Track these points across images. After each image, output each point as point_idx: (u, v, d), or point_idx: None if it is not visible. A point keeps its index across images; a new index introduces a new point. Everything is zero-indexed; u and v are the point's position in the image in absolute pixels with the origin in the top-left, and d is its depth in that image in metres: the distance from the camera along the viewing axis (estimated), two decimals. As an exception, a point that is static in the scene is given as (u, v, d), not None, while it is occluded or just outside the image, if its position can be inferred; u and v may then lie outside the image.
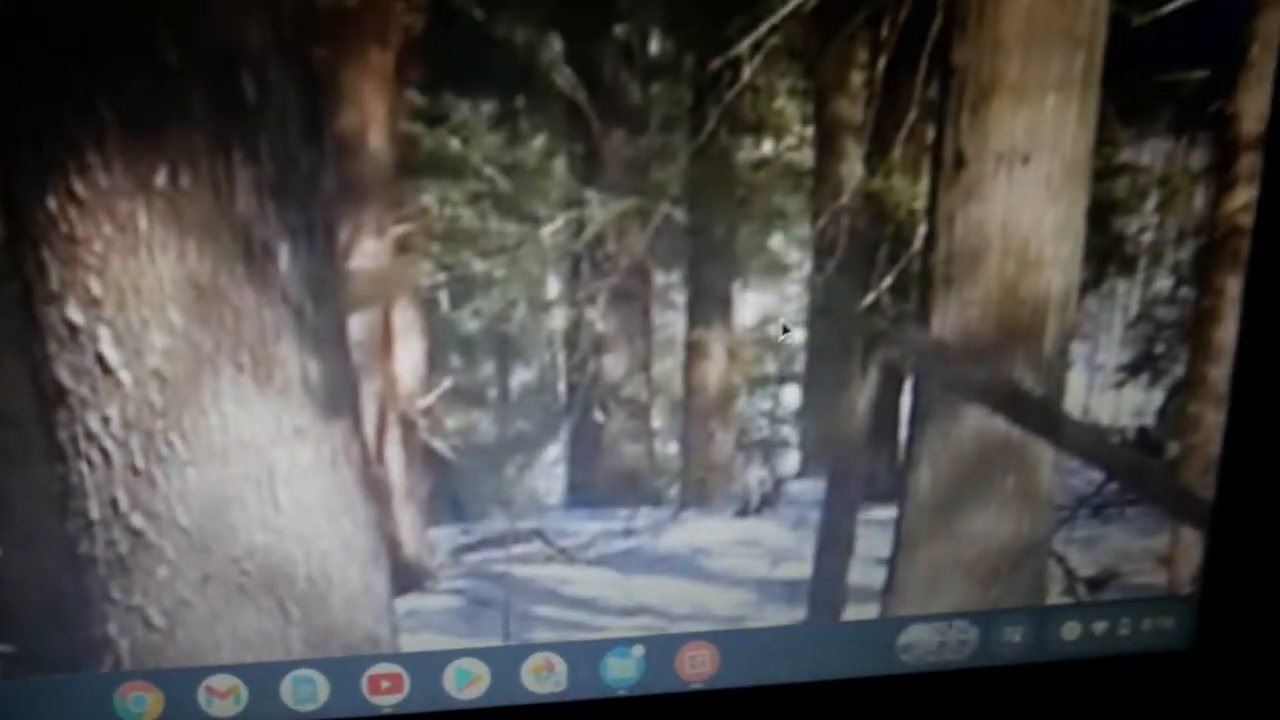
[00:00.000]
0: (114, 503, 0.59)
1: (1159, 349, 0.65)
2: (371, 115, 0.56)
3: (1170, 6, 0.58)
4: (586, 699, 0.66)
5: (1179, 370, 0.65)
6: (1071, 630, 0.70)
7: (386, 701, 0.64)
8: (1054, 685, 0.71)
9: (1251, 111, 0.61)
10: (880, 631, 0.68)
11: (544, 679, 0.65)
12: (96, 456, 0.58)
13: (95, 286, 0.56)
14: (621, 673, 0.66)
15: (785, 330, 0.62)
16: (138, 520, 0.59)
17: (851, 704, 0.70)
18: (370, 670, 0.64)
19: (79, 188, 0.54)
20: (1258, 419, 0.66)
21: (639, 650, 0.66)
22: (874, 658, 0.69)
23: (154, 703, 0.63)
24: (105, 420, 0.58)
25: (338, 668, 0.64)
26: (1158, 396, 0.66)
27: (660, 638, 0.66)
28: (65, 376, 0.57)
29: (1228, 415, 0.66)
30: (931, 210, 0.61)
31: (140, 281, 0.56)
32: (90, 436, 0.58)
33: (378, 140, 0.56)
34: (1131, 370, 0.65)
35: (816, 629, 0.67)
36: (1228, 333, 0.64)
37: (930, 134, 0.60)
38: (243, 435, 0.59)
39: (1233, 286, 0.64)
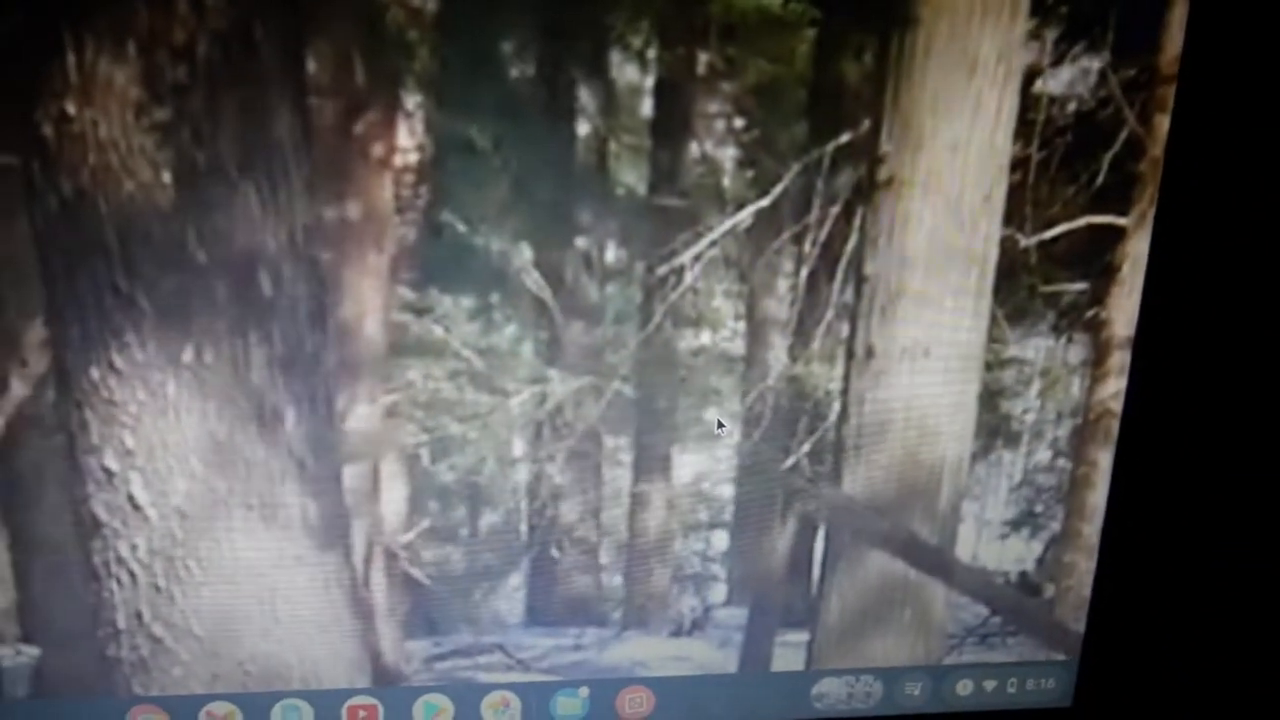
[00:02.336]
0: (139, 615, 0.69)
1: (1039, 508, 0.75)
2: (368, 306, 0.66)
3: (1054, 231, 0.68)
4: None
5: (1055, 526, 0.75)
6: (965, 687, 0.80)
7: None
8: None
9: (1121, 318, 0.71)
10: (798, 682, 0.78)
11: (500, 713, 0.76)
12: (125, 577, 0.68)
13: (129, 440, 0.66)
14: (569, 710, 0.76)
15: (720, 425, 0.71)
16: (158, 629, 0.70)
17: None
18: (350, 701, 0.74)
19: (118, 361, 0.64)
20: (1124, 566, 0.76)
21: (584, 691, 0.76)
22: (792, 704, 0.79)
23: None
24: (134, 548, 0.68)
25: (321, 698, 0.73)
26: (1037, 547, 0.76)
27: (604, 680, 0.76)
28: (101, 512, 0.67)
29: (1097, 563, 0.76)
30: (845, 391, 0.71)
31: (167, 437, 0.66)
32: (120, 561, 0.68)
33: (373, 326, 0.66)
34: (1015, 525, 0.75)
35: (743, 677, 0.77)
36: (1099, 497, 0.75)
37: (844, 330, 0.69)
38: (250, 562, 0.69)
39: (1104, 459, 0.74)
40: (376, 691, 0.74)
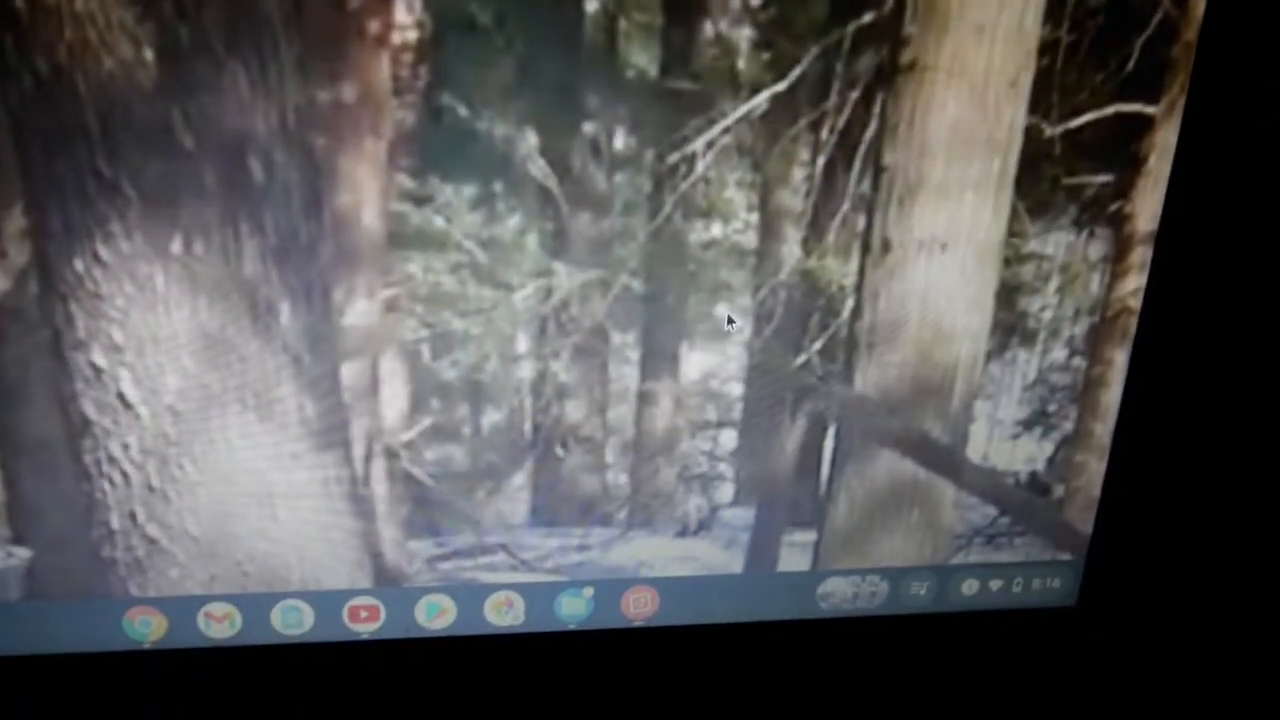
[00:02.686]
0: (132, 515, 0.67)
1: (1052, 408, 0.74)
2: (365, 195, 0.63)
3: (1080, 120, 0.66)
4: (541, 632, 0.76)
5: (1068, 426, 0.74)
6: (971, 586, 0.80)
7: (364, 629, 0.74)
8: (955, 633, 0.81)
9: (1145, 212, 0.69)
10: (804, 581, 0.78)
11: (504, 613, 0.75)
12: (118, 477, 0.66)
13: (117, 335, 0.63)
14: (573, 610, 0.76)
15: (731, 321, 0.69)
16: (153, 530, 0.68)
17: (776, 644, 0.80)
18: (351, 601, 0.73)
19: (103, 253, 0.61)
20: (1135, 468, 0.75)
21: (589, 591, 0.75)
22: (798, 604, 0.79)
23: (158, 625, 0.72)
24: (125, 447, 0.66)
25: (322, 599, 0.73)
26: (1048, 447, 0.75)
27: (609, 581, 0.75)
28: (90, 410, 0.65)
29: (1108, 464, 0.75)
30: (859, 287, 0.69)
31: (157, 332, 0.63)
32: (112, 460, 0.66)
33: (370, 216, 0.63)
34: (1027, 425, 0.74)
35: (748, 578, 0.77)
36: (1113, 396, 0.73)
37: (860, 222, 0.67)
38: (246, 461, 0.67)
39: (1120, 358, 0.72)
40: (378, 592, 0.73)
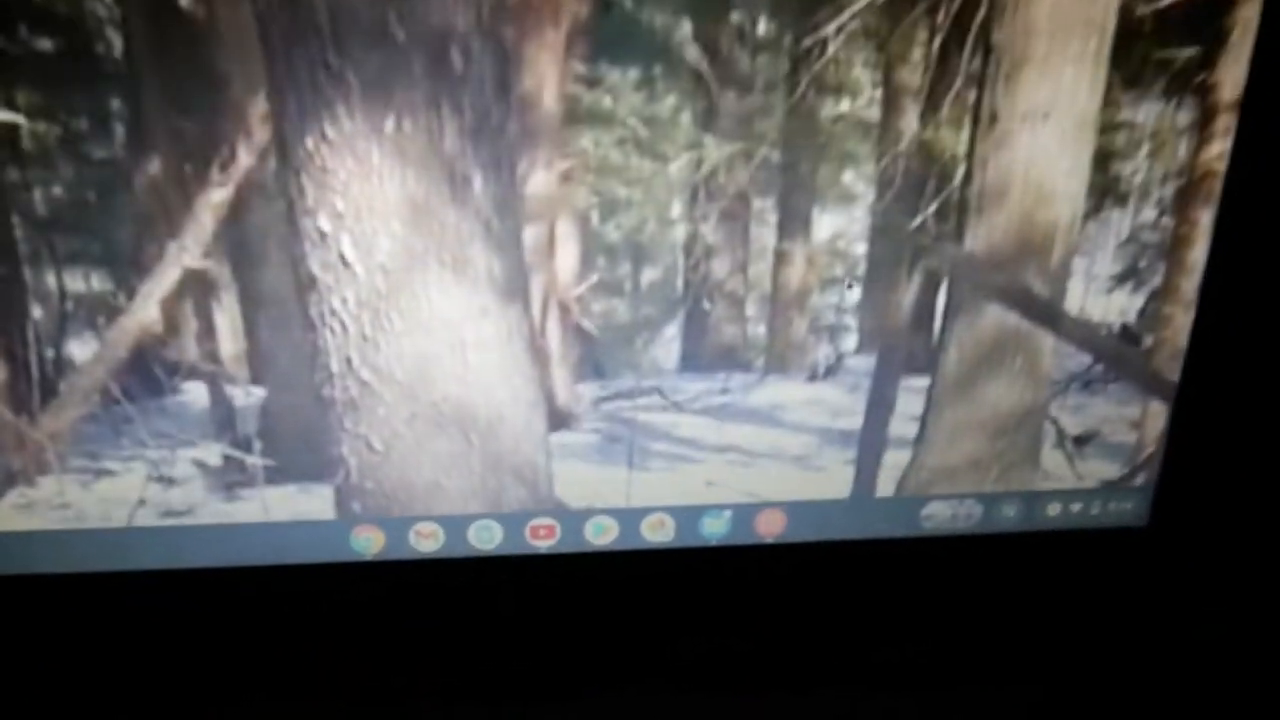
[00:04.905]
0: (349, 361, 0.80)
1: (1142, 264, 0.82)
2: (545, 80, 0.74)
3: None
4: (688, 547, 0.89)
5: (1157, 281, 0.83)
6: (1054, 509, 0.90)
7: (543, 544, 0.87)
8: (1041, 550, 0.92)
9: (1229, 82, 0.77)
10: (908, 505, 0.89)
11: (657, 530, 0.88)
12: (337, 327, 0.79)
13: (339, 204, 0.75)
14: (714, 528, 0.89)
15: (850, 285, 0.80)
16: (366, 374, 0.80)
17: (882, 559, 0.92)
18: (532, 521, 0.86)
19: (330, 132, 0.73)
20: (1219, 321, 0.84)
21: (727, 513, 0.88)
22: (903, 524, 0.90)
23: (377, 541, 0.86)
24: (344, 300, 0.78)
25: (509, 519, 0.86)
26: (1139, 300, 0.84)
27: (744, 505, 0.88)
28: (316, 269, 0.77)
29: (1194, 316, 0.84)
30: (969, 155, 0.78)
31: (372, 201, 0.75)
32: (333, 312, 0.78)
33: (550, 98, 0.74)
34: (1119, 279, 0.83)
35: (860, 501, 0.88)
36: (1199, 253, 0.82)
37: (971, 97, 0.76)
38: (443, 314, 0.79)
39: (1205, 218, 0.81)
40: (554, 512, 0.86)
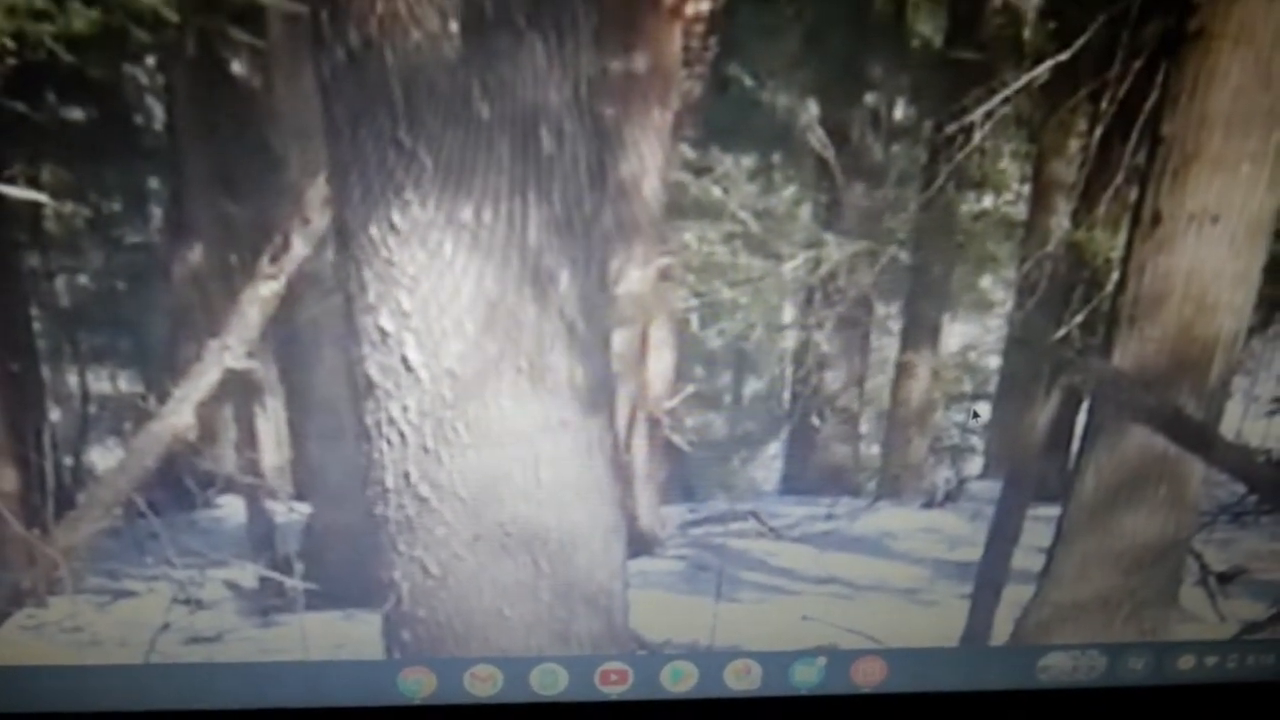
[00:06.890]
0: (406, 475, 0.70)
1: (1312, 385, 0.73)
2: (648, 165, 0.64)
3: (1365, 90, 0.65)
4: (776, 696, 0.77)
5: (1327, 404, 0.73)
6: (1187, 662, 0.79)
7: (614, 690, 0.76)
8: (1171, 706, 0.81)
9: None
10: (1024, 655, 0.78)
11: (742, 679, 0.77)
12: (395, 438, 0.69)
13: (405, 301, 0.65)
14: (806, 678, 0.77)
15: (975, 415, 0.70)
16: (424, 490, 0.70)
17: (993, 713, 0.80)
18: (603, 666, 0.76)
19: (398, 220, 0.64)
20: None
21: (822, 660, 0.77)
22: (1017, 675, 0.79)
23: (428, 684, 0.75)
24: (405, 409, 0.68)
25: (576, 662, 0.75)
26: (1305, 425, 0.74)
27: (839, 651, 0.76)
28: (375, 373, 0.67)
29: (1365, 443, 0.74)
30: (1125, 260, 0.68)
31: (442, 298, 0.65)
32: (391, 421, 0.68)
33: (651, 186, 0.65)
34: (1284, 402, 0.73)
35: (970, 649, 0.77)
36: (1375, 374, 0.72)
37: (1132, 195, 0.67)
38: (516, 425, 0.69)
39: (1387, 335, 0.71)
40: (627, 657, 0.75)
